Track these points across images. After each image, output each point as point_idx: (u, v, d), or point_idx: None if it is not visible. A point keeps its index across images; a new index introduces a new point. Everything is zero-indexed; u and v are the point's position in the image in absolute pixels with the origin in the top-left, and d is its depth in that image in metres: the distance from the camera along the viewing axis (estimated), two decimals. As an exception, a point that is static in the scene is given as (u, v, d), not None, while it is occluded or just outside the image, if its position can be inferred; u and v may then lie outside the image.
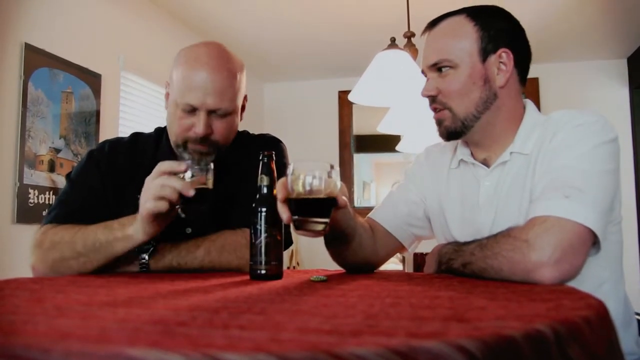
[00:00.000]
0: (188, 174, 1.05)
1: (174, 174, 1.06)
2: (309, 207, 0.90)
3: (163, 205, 1.05)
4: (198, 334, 0.50)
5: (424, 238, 1.36)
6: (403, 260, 3.94)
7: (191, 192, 1.03)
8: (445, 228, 1.25)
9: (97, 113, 2.71)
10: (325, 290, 0.85)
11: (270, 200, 1.01)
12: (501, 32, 1.15)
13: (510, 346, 0.49)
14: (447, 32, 1.16)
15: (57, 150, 2.46)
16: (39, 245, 1.19)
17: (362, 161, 4.62)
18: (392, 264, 3.76)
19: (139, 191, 1.26)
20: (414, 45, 2.46)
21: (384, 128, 2.79)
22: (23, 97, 2.28)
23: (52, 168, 2.42)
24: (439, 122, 1.18)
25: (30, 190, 2.30)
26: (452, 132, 1.17)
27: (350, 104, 4.35)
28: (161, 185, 1.05)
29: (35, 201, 2.31)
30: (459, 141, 1.24)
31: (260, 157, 1.04)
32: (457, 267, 1.07)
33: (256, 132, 1.49)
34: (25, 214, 2.24)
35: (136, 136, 1.40)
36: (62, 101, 2.51)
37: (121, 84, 2.93)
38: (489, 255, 1.00)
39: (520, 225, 1.01)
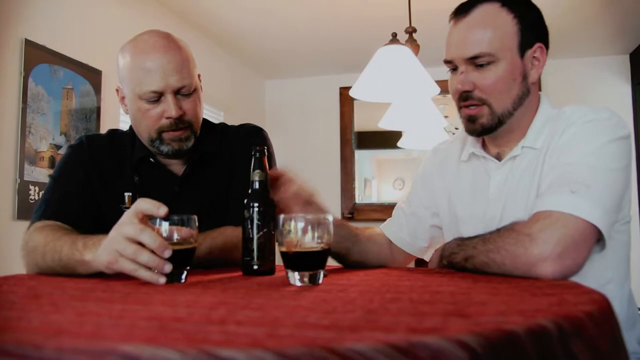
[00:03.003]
0: (165, 225, 0.90)
1: (151, 217, 0.91)
2: (302, 260, 0.86)
3: (128, 267, 0.89)
4: (194, 329, 0.49)
5: (436, 247, 1.36)
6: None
7: (167, 254, 0.87)
8: (454, 224, 1.23)
9: (98, 109, 2.70)
10: (325, 286, 0.84)
11: (263, 196, 1.00)
12: (535, 25, 1.12)
13: (512, 341, 0.48)
14: (485, 23, 1.09)
15: (58, 147, 2.45)
16: (23, 247, 1.17)
17: (363, 158, 4.61)
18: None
19: (123, 188, 1.27)
20: (415, 40, 2.44)
21: (385, 124, 2.78)
22: (23, 93, 2.27)
23: (52, 164, 2.41)
24: (473, 119, 1.13)
25: (31, 187, 2.30)
26: (487, 128, 1.13)
27: (352, 100, 4.34)
28: (130, 243, 0.88)
29: (36, 197, 2.31)
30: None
31: (252, 153, 1.03)
32: (459, 262, 1.06)
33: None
34: (26, 210, 2.24)
35: (114, 133, 1.38)
36: (63, 97, 2.50)
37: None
38: (491, 249, 0.98)
39: (524, 219, 1.00)
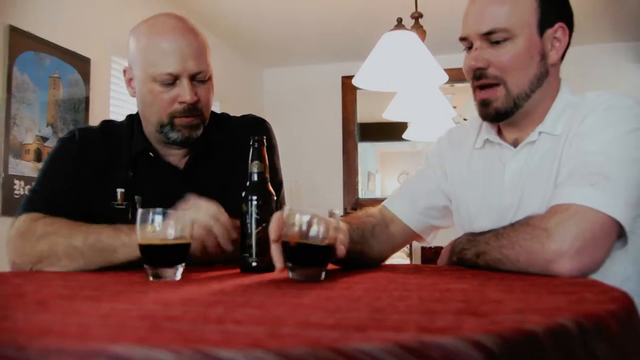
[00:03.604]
0: (159, 219, 0.91)
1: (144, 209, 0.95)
2: (304, 254, 0.86)
3: (195, 246, 1.00)
4: (190, 329, 0.48)
5: (444, 227, 1.35)
6: (410, 254, 3.93)
7: (229, 248, 1.05)
8: (466, 215, 1.23)
9: (87, 99, 2.69)
10: (328, 283, 0.84)
11: (262, 188, 1.00)
12: (558, 4, 1.12)
13: (531, 341, 0.47)
14: None
15: (44, 139, 2.44)
16: (21, 235, 1.14)
17: (366, 150, 4.60)
18: (399, 258, 3.76)
19: (115, 183, 1.26)
20: (421, 26, 2.43)
21: (389, 115, 2.77)
22: (8, 82, 2.26)
23: (38, 157, 2.40)
24: (487, 103, 1.12)
25: (16, 181, 2.29)
26: (502, 113, 1.12)
27: (354, 89, 4.33)
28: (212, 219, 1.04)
29: (21, 192, 2.30)
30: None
31: (251, 143, 1.02)
32: (470, 258, 1.05)
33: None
34: (11, 205, 2.23)
35: (107, 124, 1.37)
36: (49, 87, 2.49)
37: (112, 68, 2.90)
38: (505, 245, 0.98)
39: (541, 212, 0.99)
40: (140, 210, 0.91)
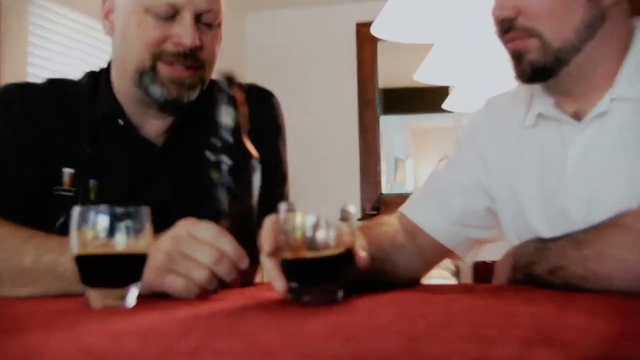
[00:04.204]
0: (104, 221, 0.90)
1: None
2: (314, 269, 0.87)
3: (194, 290, 0.98)
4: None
5: (488, 241, 1.37)
6: (457, 272, 3.93)
7: (245, 263, 1.00)
8: (520, 217, 1.25)
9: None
10: (341, 306, 0.85)
11: (237, 148, 1.02)
12: None
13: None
14: None
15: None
16: None
17: (392, 127, 4.60)
18: (438, 278, 3.75)
19: (63, 161, 1.29)
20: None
21: (424, 77, 2.77)
22: None
23: None
24: (518, 56, 1.16)
25: None
26: (539, 70, 1.14)
27: (374, 41, 4.32)
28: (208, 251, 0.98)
29: None
30: (537, 88, 1.23)
31: (217, 91, 1.04)
32: (542, 274, 1.07)
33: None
34: None
35: (56, 83, 1.41)
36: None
37: (31, 14, 2.91)
38: (589, 256, 0.99)
39: (633, 208, 1.00)
40: (75, 208, 0.91)
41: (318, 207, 0.87)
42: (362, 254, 0.91)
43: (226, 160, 1.01)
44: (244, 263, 0.99)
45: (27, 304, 0.96)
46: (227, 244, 0.98)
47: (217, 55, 1.34)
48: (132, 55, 1.28)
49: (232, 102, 1.03)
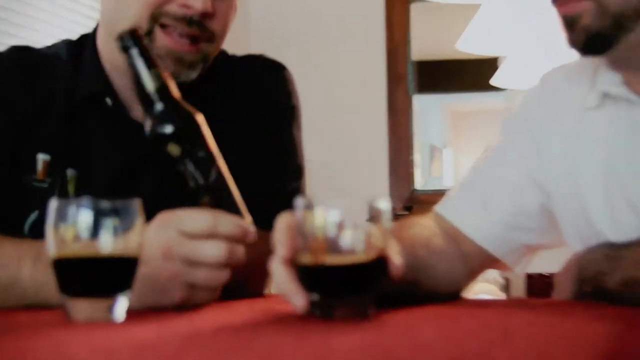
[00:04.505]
0: (86, 216, 0.91)
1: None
2: (342, 278, 0.87)
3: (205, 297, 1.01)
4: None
5: (543, 247, 1.38)
6: (506, 286, 3.93)
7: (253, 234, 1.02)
8: (583, 218, 1.25)
9: None
10: (377, 322, 0.85)
11: (181, 116, 1.04)
12: None
13: None
14: None
15: None
16: None
17: (427, 108, 4.60)
18: (484, 294, 3.73)
19: (37, 146, 1.30)
20: None
21: (468, 45, 2.76)
22: None
23: None
24: (571, 21, 1.15)
25: None
26: (595, 37, 1.14)
27: (407, 2, 4.33)
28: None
29: None
30: (601, 62, 1.24)
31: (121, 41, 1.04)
32: (613, 287, 1.07)
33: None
34: None
35: (24, 52, 1.42)
36: None
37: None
38: None
39: None
40: (53, 202, 0.92)
41: (338, 205, 0.87)
42: (397, 260, 0.90)
43: (170, 129, 1.02)
44: (252, 234, 1.00)
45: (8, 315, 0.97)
46: (226, 224, 0.99)
47: (229, 29, 1.34)
48: (126, 15, 1.27)
49: (147, 60, 1.04)
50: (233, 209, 1.04)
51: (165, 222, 1.00)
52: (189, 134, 1.02)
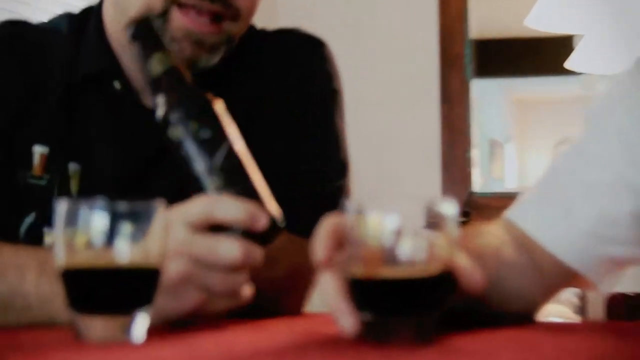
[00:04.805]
0: (99, 221, 0.92)
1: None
2: (401, 295, 0.86)
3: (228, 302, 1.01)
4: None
5: (632, 263, 1.36)
6: (582, 309, 3.91)
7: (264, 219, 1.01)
8: None
9: None
10: (438, 347, 0.85)
11: (191, 95, 1.06)
12: None
13: None
14: None
15: None
16: None
17: (488, 95, 4.57)
18: (554, 317, 3.71)
19: (33, 136, 1.31)
20: None
21: (538, 22, 2.76)
22: None
23: None
24: None
25: None
26: None
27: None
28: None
29: None
30: None
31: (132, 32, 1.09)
32: None
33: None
34: None
35: (19, 26, 1.43)
36: None
37: None
38: None
39: None
40: (61, 203, 0.92)
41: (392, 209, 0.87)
42: (476, 273, 0.91)
43: (178, 113, 1.04)
44: (262, 219, 0.98)
45: (8, 334, 0.98)
46: (226, 208, 0.98)
47: (257, 7, 1.34)
48: None
49: (155, 44, 1.07)
50: (250, 194, 1.03)
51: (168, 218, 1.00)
52: (193, 117, 1.03)
